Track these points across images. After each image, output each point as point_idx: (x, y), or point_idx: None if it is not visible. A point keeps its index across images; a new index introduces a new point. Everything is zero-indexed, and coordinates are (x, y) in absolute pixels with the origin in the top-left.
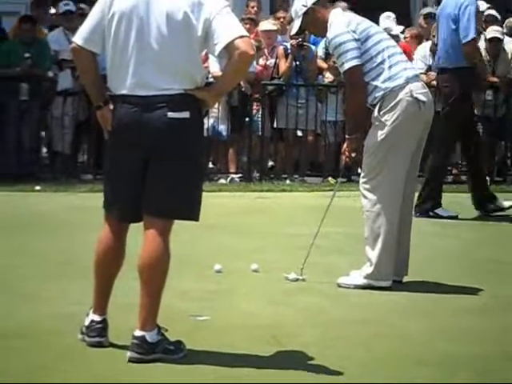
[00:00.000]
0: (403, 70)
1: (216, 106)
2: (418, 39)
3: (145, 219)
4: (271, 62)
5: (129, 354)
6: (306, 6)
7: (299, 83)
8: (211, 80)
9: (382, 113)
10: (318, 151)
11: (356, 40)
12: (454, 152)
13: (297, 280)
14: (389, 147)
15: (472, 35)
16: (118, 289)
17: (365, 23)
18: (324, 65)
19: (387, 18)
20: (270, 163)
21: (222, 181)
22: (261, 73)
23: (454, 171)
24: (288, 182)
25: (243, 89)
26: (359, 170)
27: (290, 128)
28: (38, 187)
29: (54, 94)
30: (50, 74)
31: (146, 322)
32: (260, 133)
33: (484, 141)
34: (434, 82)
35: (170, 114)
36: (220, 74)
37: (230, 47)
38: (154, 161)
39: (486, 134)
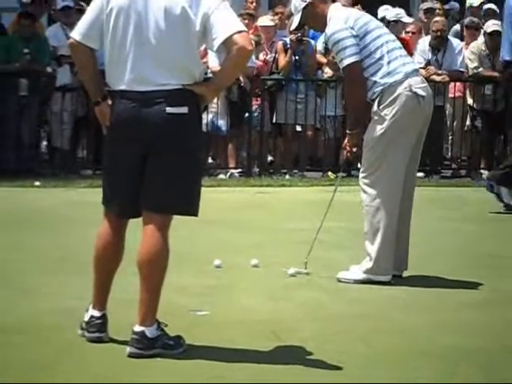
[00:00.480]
0: (402, 65)
1: (215, 101)
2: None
3: (144, 215)
4: (270, 56)
5: (128, 349)
6: (305, 1)
7: (298, 78)
8: (210, 75)
9: (381, 107)
10: (317, 146)
11: (354, 36)
12: None
13: (297, 274)
14: (388, 142)
15: None
16: (118, 284)
17: (364, 18)
18: (323, 59)
19: (385, 11)
20: (270, 158)
21: (222, 176)
22: (261, 68)
23: (454, 165)
24: (287, 176)
25: (242, 84)
26: (359, 165)
27: (289, 123)
28: (37, 183)
29: (53, 90)
30: (49, 69)
31: (145, 318)
32: (259, 128)
33: (483, 135)
34: (433, 77)
35: (169, 110)
36: (218, 69)
37: (228, 42)
38: (152, 156)
39: (486, 128)
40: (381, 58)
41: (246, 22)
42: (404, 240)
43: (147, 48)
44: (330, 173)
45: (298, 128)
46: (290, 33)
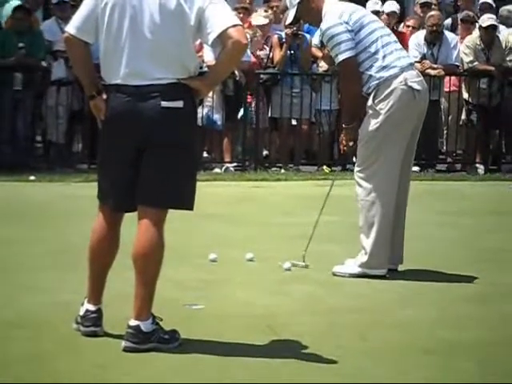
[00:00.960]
0: (397, 60)
1: (210, 95)
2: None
3: (139, 209)
4: (264, 53)
5: (124, 343)
6: None
7: (294, 72)
8: (205, 69)
9: (376, 101)
10: (312, 140)
11: (349, 31)
12: None
13: (292, 268)
14: (383, 136)
15: None
16: (113, 278)
17: (359, 12)
18: (319, 53)
19: (375, 4)
20: (265, 152)
21: (217, 170)
22: (254, 65)
23: (449, 159)
24: (283, 171)
25: (238, 78)
26: (354, 159)
27: (284, 117)
28: (32, 177)
29: (48, 84)
30: (44, 63)
31: (140, 312)
32: (254, 122)
33: (478, 129)
34: (429, 71)
35: (164, 104)
36: (214, 63)
37: (223, 36)
38: (147, 150)
39: (481, 122)
40: (376, 53)
41: (241, 15)
42: (399, 234)
43: (142, 42)
44: (325, 167)
45: (294, 122)
46: (286, 27)
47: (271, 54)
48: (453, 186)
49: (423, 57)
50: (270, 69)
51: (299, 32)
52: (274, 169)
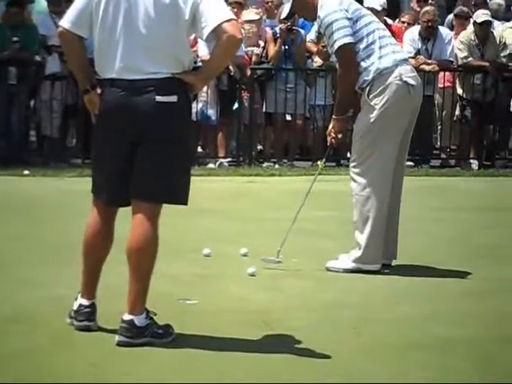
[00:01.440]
0: (392, 53)
1: (205, 90)
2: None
3: (133, 203)
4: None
5: (117, 337)
6: None
7: (288, 67)
8: (200, 64)
9: (371, 96)
10: (306, 135)
11: (348, 19)
12: None
13: (277, 263)
14: (378, 131)
15: None
16: (107, 273)
17: (356, 4)
18: (314, 48)
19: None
20: (259, 147)
21: (211, 165)
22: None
23: (443, 155)
24: (277, 166)
25: (232, 73)
26: (348, 154)
27: (278, 112)
28: (26, 172)
29: (42, 78)
30: (38, 58)
31: (134, 306)
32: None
33: (472, 125)
34: (423, 66)
35: (158, 98)
36: (208, 57)
37: (217, 31)
38: (141, 145)
39: (475, 118)
40: (373, 43)
41: (235, 10)
42: (393, 229)
43: (137, 36)
44: (319, 162)
45: (288, 117)
46: (280, 22)
47: (265, 50)
48: (447, 182)
49: (417, 52)
50: (265, 64)
51: (294, 27)
52: (268, 164)
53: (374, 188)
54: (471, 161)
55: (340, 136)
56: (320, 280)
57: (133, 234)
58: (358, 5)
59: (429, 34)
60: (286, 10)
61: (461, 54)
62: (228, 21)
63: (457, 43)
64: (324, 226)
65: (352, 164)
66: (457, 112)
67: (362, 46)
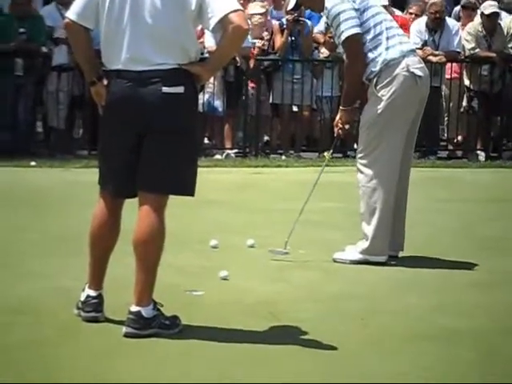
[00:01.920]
0: (399, 44)
1: (211, 81)
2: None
3: (140, 194)
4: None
5: (125, 329)
6: None
7: (295, 58)
8: (206, 55)
9: (378, 88)
10: (313, 126)
11: (355, 10)
12: None
13: (284, 254)
14: (385, 122)
15: None
16: (114, 264)
17: None
18: (322, 39)
19: None
20: (266, 138)
21: (218, 156)
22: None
23: (450, 146)
24: (283, 157)
25: (239, 64)
26: (355, 146)
27: (285, 103)
28: (33, 163)
29: (49, 70)
30: (45, 49)
31: (141, 298)
32: (255, 109)
33: (480, 116)
34: (430, 57)
35: (165, 89)
36: (215, 48)
37: (224, 21)
38: (148, 136)
39: (482, 109)
40: (380, 34)
41: (242, 1)
42: (400, 220)
43: (143, 27)
44: (325, 153)
45: (295, 108)
46: (287, 13)
47: (271, 41)
48: (454, 173)
49: (424, 43)
50: (272, 55)
51: (300, 18)
52: (274, 155)
53: (380, 179)
54: (478, 152)
55: (347, 127)
56: (327, 271)
57: (139, 225)
58: None
59: (436, 26)
60: (292, 1)
61: (468, 45)
62: (235, 11)
63: (464, 34)
64: (331, 218)
65: (359, 155)
66: (464, 103)
67: (369, 36)
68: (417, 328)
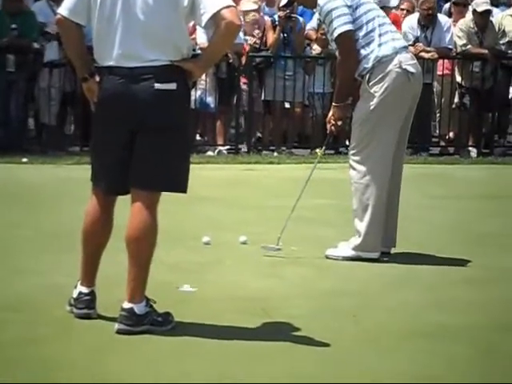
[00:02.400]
0: (392, 40)
1: (203, 78)
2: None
3: (132, 191)
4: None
5: (117, 325)
6: None
7: (287, 55)
8: (198, 52)
9: (370, 84)
10: (305, 123)
11: (348, 6)
12: None
13: (277, 250)
14: (378, 119)
15: None
16: (106, 261)
17: None
18: (314, 36)
19: None
20: (258, 135)
21: (210, 153)
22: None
23: (442, 143)
24: (276, 154)
25: (231, 61)
26: (347, 142)
27: (277, 100)
28: (24, 159)
29: (41, 66)
30: (36, 45)
31: (134, 294)
32: (246, 106)
33: (471, 112)
34: (422, 54)
35: (157, 86)
36: (207, 45)
37: (216, 17)
38: (141, 132)
39: (474, 105)
40: (372, 31)
41: None
42: (393, 217)
43: (135, 23)
44: (317, 150)
45: (287, 105)
46: (279, 9)
47: (264, 37)
48: (446, 170)
49: (416, 40)
50: (264, 52)
51: (292, 15)
52: (266, 152)
53: (373, 176)
54: (470, 148)
55: (340, 123)
56: (319, 268)
57: (132, 222)
58: None
59: (428, 22)
60: None
61: (460, 42)
62: (227, 7)
63: (456, 31)
64: (323, 214)
65: (351, 152)
66: (455, 100)
67: (361, 33)
68: (410, 324)
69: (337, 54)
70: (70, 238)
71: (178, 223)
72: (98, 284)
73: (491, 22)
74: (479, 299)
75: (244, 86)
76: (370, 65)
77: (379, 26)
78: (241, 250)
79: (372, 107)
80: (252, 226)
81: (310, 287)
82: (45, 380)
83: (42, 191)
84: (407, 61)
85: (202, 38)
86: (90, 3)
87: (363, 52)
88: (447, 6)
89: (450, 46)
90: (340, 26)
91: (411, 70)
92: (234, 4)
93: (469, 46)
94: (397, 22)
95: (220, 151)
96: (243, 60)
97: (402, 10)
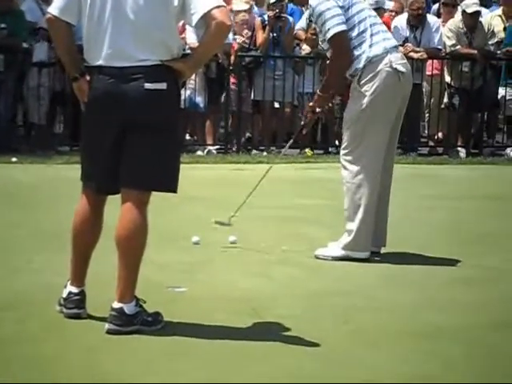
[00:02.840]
0: (383, 40)
1: (193, 77)
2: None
3: (122, 191)
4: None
5: (107, 325)
6: None
7: (276, 55)
8: (188, 51)
9: (361, 83)
10: (295, 123)
11: (340, 7)
12: None
13: (227, 225)
14: (368, 118)
15: None
16: (96, 261)
17: None
18: (303, 36)
19: None
20: (248, 135)
21: (199, 153)
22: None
23: (431, 143)
24: (265, 153)
25: (221, 61)
26: (336, 142)
27: (267, 100)
28: (14, 159)
29: (30, 66)
30: (25, 45)
31: (124, 294)
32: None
33: (460, 112)
34: (411, 54)
35: (147, 86)
36: (197, 45)
37: (206, 17)
38: (131, 132)
39: (463, 106)
40: (364, 31)
41: None
42: (383, 216)
43: (125, 23)
44: (307, 150)
45: (276, 105)
46: (268, 9)
47: (253, 37)
48: (434, 170)
49: (405, 40)
50: (253, 51)
51: (282, 14)
52: (256, 152)
53: (365, 175)
54: (459, 149)
55: (319, 110)
56: (309, 268)
57: (122, 221)
58: None
59: (417, 22)
60: None
61: (449, 42)
62: (217, 7)
63: (445, 31)
64: (313, 214)
65: (343, 152)
66: (445, 100)
67: (353, 34)
68: (401, 324)
69: (328, 54)
70: (59, 237)
71: (167, 223)
72: (87, 283)
73: (480, 22)
74: (471, 299)
75: (233, 86)
76: (361, 65)
77: (371, 25)
78: (231, 250)
79: (363, 106)
80: (241, 225)
81: (300, 287)
82: (40, 379)
83: (31, 191)
84: (397, 60)
85: (191, 38)
86: (81, 2)
87: (356, 52)
88: (436, 6)
89: (440, 47)
90: (334, 26)
91: (401, 69)
92: (224, 4)
93: (458, 47)
94: (387, 25)
95: (209, 151)
96: (232, 59)
97: (391, 11)
